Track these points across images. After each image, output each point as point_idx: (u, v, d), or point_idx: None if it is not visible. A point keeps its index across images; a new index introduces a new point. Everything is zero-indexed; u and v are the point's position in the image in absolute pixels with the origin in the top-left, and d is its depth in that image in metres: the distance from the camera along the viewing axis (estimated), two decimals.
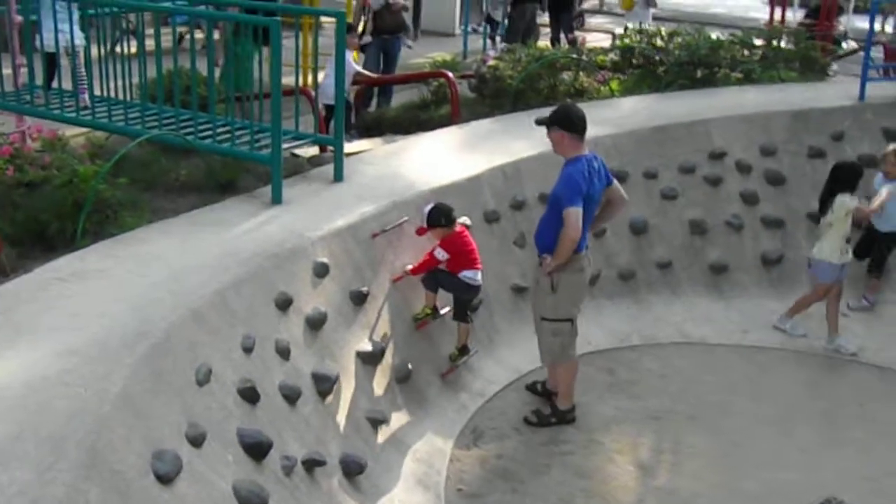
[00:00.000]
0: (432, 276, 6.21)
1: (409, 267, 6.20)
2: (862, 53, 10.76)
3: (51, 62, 7.96)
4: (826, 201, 7.23)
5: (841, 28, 15.05)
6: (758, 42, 11.94)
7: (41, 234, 5.71)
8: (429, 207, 6.16)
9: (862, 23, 14.76)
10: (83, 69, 7.67)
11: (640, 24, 13.98)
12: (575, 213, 5.62)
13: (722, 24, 18.68)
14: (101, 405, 3.50)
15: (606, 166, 5.99)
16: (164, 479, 3.49)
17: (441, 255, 6.08)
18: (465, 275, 6.11)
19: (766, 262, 8.20)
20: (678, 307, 7.84)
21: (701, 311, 7.82)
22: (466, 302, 6.29)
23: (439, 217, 6.07)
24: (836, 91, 10.18)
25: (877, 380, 6.97)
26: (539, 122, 5.95)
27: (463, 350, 6.37)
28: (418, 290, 6.36)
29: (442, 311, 6.34)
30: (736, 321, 7.74)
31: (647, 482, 5.64)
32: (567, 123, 5.75)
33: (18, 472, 3.04)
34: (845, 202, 7.08)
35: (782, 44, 12.08)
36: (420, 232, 6.27)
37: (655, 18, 16.31)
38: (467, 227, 6.47)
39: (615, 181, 6.10)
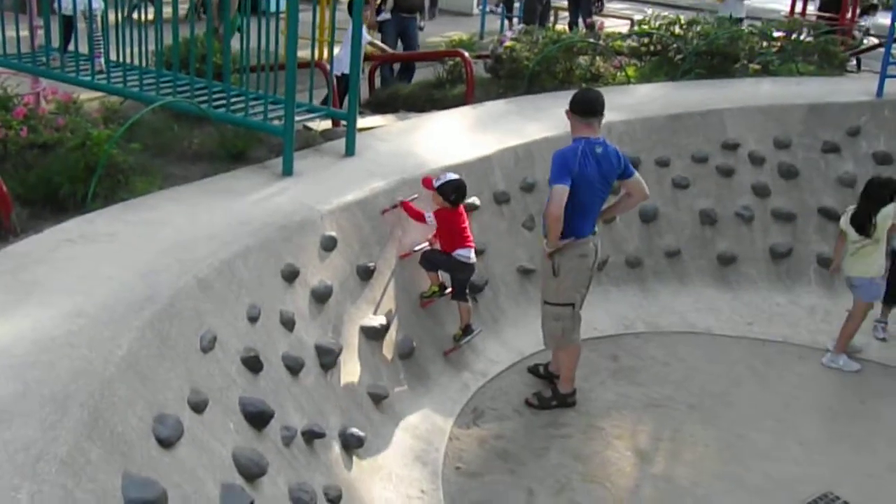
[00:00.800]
0: (428, 257, 6.23)
1: (402, 200, 6.20)
2: (882, 50, 10.68)
3: (67, 25, 7.96)
4: (866, 222, 6.78)
5: (863, 23, 14.95)
6: (777, 34, 11.87)
7: (52, 196, 5.74)
8: (451, 177, 6.10)
9: (884, 19, 14.65)
10: (99, 33, 7.66)
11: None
12: (559, 190, 5.54)
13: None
14: (105, 367, 3.52)
15: (623, 157, 5.89)
16: (165, 443, 3.51)
17: (430, 220, 6.09)
18: (459, 254, 6.08)
19: (774, 256, 8.18)
20: (684, 296, 7.83)
21: (707, 302, 7.82)
22: (463, 281, 6.28)
23: (451, 193, 6.05)
24: (854, 86, 10.13)
25: (879, 377, 6.96)
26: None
27: (466, 330, 6.38)
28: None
29: (448, 289, 6.35)
30: (742, 313, 7.73)
31: (645, 469, 5.65)
32: (578, 107, 5.75)
33: (23, 430, 3.06)
34: (889, 214, 6.73)
35: (801, 37, 12.02)
36: (426, 182, 6.21)
37: (673, 6, 16.18)
38: (475, 207, 6.46)
39: (636, 174, 6.01)
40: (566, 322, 5.99)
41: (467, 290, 6.36)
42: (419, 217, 6.12)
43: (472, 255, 6.15)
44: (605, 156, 5.73)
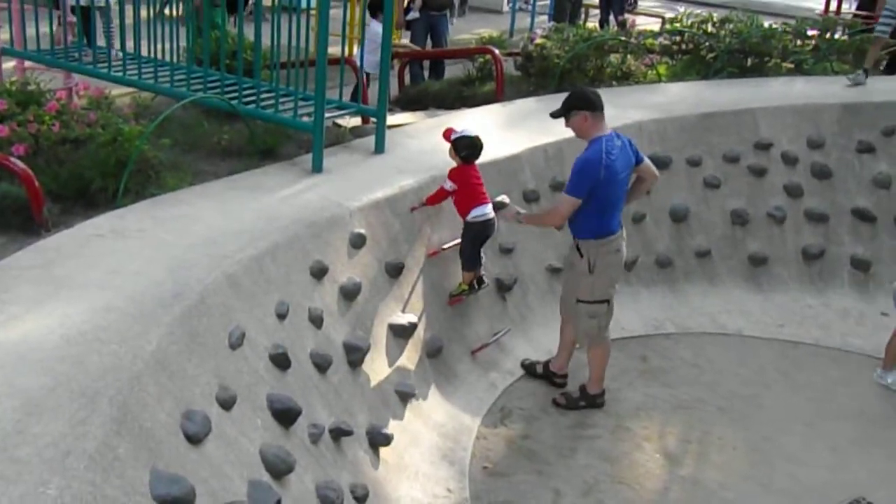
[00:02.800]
0: (463, 256, 6.15)
1: (425, 199, 6.17)
2: None
3: (85, 18, 8.00)
4: None
5: None
6: (811, 32, 11.72)
7: (84, 191, 5.77)
8: (468, 133, 6.06)
9: None
10: (114, 24, 7.74)
11: None
12: (569, 203, 5.56)
13: (775, 12, 18.37)
14: (134, 363, 3.52)
15: (634, 145, 5.85)
16: (193, 439, 3.51)
17: (449, 185, 6.04)
18: (474, 214, 6.01)
19: (806, 257, 8.08)
20: (714, 297, 7.76)
21: (737, 303, 7.74)
22: (484, 240, 6.16)
23: (464, 149, 6.01)
24: (889, 86, 9.98)
25: None
26: (556, 115, 5.82)
27: (479, 282, 6.26)
28: (453, 265, 6.35)
29: (480, 287, 6.31)
30: (773, 315, 7.64)
31: (673, 471, 5.60)
32: (587, 104, 5.63)
33: (52, 424, 3.07)
34: None
35: (836, 35, 11.86)
36: (446, 133, 6.15)
37: (706, 4, 16.03)
38: (504, 205, 6.42)
39: (646, 159, 5.96)
40: (602, 319, 5.96)
41: (482, 254, 6.22)
42: (441, 193, 6.09)
43: (488, 209, 6.06)
44: (623, 148, 5.70)
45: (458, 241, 6.29)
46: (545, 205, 7.16)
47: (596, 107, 5.65)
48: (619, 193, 5.74)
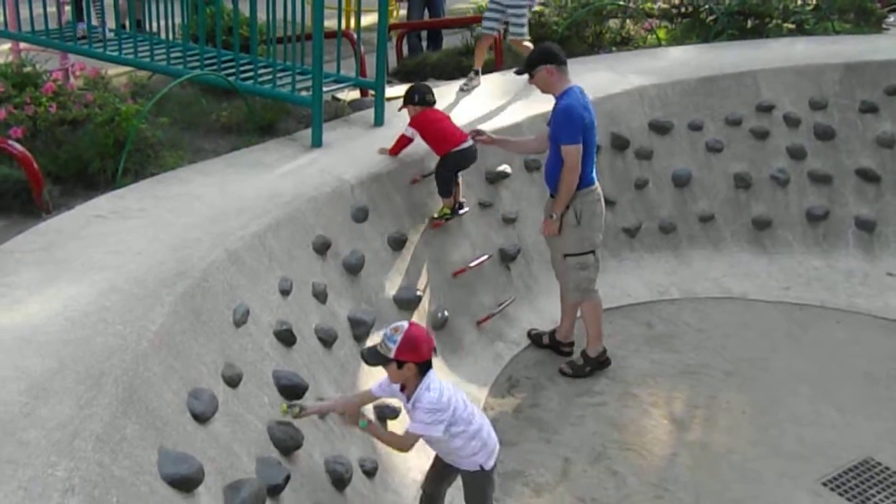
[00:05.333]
0: (438, 180, 6.10)
1: (388, 149, 6.18)
2: None
3: None
4: None
5: None
6: None
7: (83, 172, 5.76)
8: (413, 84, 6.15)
9: None
10: (99, 2, 7.71)
11: None
12: (574, 151, 5.62)
13: None
14: (139, 343, 3.52)
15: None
16: (200, 418, 3.52)
17: (409, 132, 6.05)
18: (453, 150, 6.00)
19: (811, 219, 8.04)
20: (719, 262, 7.74)
21: (742, 267, 7.72)
22: (460, 168, 6.14)
23: (412, 95, 6.06)
24: (892, 43, 9.88)
25: None
26: (521, 72, 5.91)
27: (459, 206, 6.26)
28: (455, 237, 6.33)
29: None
30: (778, 277, 7.62)
31: (681, 436, 5.61)
32: (551, 57, 5.70)
33: (59, 406, 3.08)
34: None
35: None
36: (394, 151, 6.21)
37: None
38: (506, 175, 6.38)
39: None
40: (591, 271, 6.01)
41: (458, 177, 6.19)
42: (401, 140, 6.09)
43: (467, 143, 6.04)
44: (587, 100, 5.81)
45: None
46: None
47: (559, 60, 5.70)
48: (593, 142, 5.80)
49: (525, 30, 8.11)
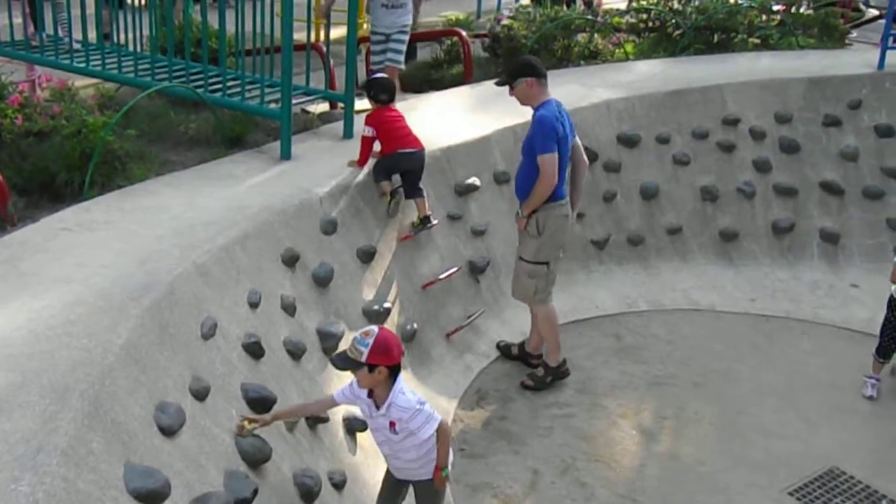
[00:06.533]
0: (376, 167, 6.11)
1: (355, 160, 6.20)
2: (883, 21, 10.60)
3: (31, 5, 7.89)
4: None
5: None
6: (776, 7, 11.77)
7: (49, 184, 5.70)
8: (375, 76, 6.22)
9: None
10: (64, 13, 7.65)
11: None
12: (550, 160, 5.62)
13: None
14: (105, 356, 3.49)
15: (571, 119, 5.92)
16: (168, 432, 3.49)
17: (368, 131, 6.07)
18: (399, 152, 6.05)
19: (776, 231, 8.14)
20: (687, 274, 7.81)
21: (709, 279, 7.79)
22: (413, 176, 6.15)
23: (378, 89, 6.12)
24: (854, 59, 10.05)
25: None
26: (501, 83, 5.92)
27: (424, 220, 6.26)
28: (425, 249, 6.34)
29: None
30: (744, 289, 7.70)
31: (649, 447, 5.64)
32: (532, 70, 5.73)
33: (22, 421, 3.04)
34: None
35: (801, 9, 11.92)
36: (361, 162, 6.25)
37: None
38: (475, 188, 6.37)
39: (577, 139, 6.05)
40: (539, 281, 6.01)
41: (420, 185, 6.21)
42: (364, 143, 6.12)
43: (416, 149, 6.08)
44: (566, 114, 5.82)
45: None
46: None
47: (540, 74, 5.74)
48: (565, 158, 5.80)
49: (401, 57, 7.84)
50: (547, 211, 5.82)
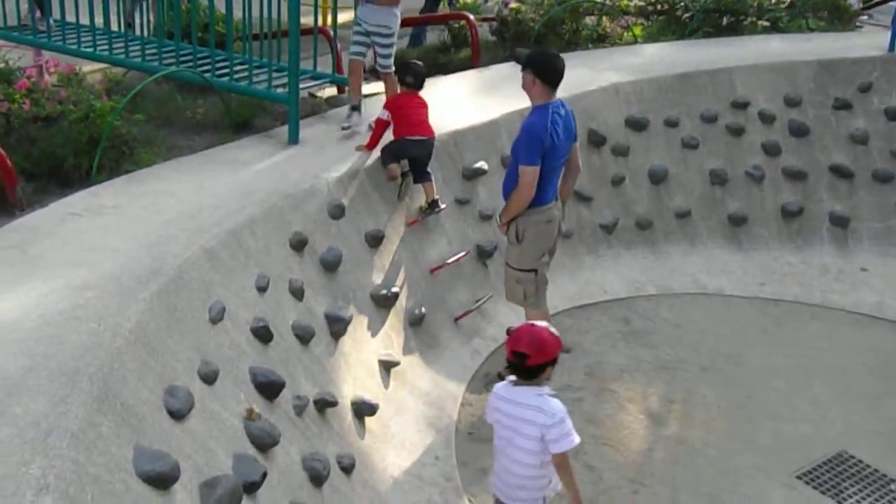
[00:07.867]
0: (385, 150, 6.10)
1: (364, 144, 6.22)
2: (893, 3, 10.52)
3: None
4: None
5: None
6: None
7: (57, 169, 5.71)
8: (412, 62, 6.23)
9: None
10: None
11: None
12: (531, 172, 5.31)
13: None
14: (114, 340, 3.50)
15: (575, 119, 5.63)
16: (176, 415, 3.50)
17: (384, 115, 6.07)
18: (408, 138, 6.04)
19: (785, 215, 8.10)
20: (695, 258, 7.78)
21: (718, 263, 7.77)
22: (421, 161, 6.14)
23: (412, 73, 6.12)
24: (864, 41, 9.98)
25: (892, 335, 6.92)
26: (517, 60, 5.52)
27: (433, 204, 6.26)
28: (433, 234, 6.33)
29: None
30: (753, 273, 7.68)
31: (658, 431, 5.64)
32: (540, 70, 5.36)
33: (32, 404, 3.05)
34: None
35: None
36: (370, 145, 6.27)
37: None
38: (483, 172, 6.35)
39: (576, 143, 5.73)
40: (528, 286, 5.75)
41: (428, 170, 6.21)
42: (379, 126, 6.12)
43: (427, 137, 6.08)
44: (566, 117, 5.49)
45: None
46: None
47: (548, 79, 5.36)
48: (555, 164, 5.51)
49: (390, 62, 6.95)
50: (528, 217, 5.52)
